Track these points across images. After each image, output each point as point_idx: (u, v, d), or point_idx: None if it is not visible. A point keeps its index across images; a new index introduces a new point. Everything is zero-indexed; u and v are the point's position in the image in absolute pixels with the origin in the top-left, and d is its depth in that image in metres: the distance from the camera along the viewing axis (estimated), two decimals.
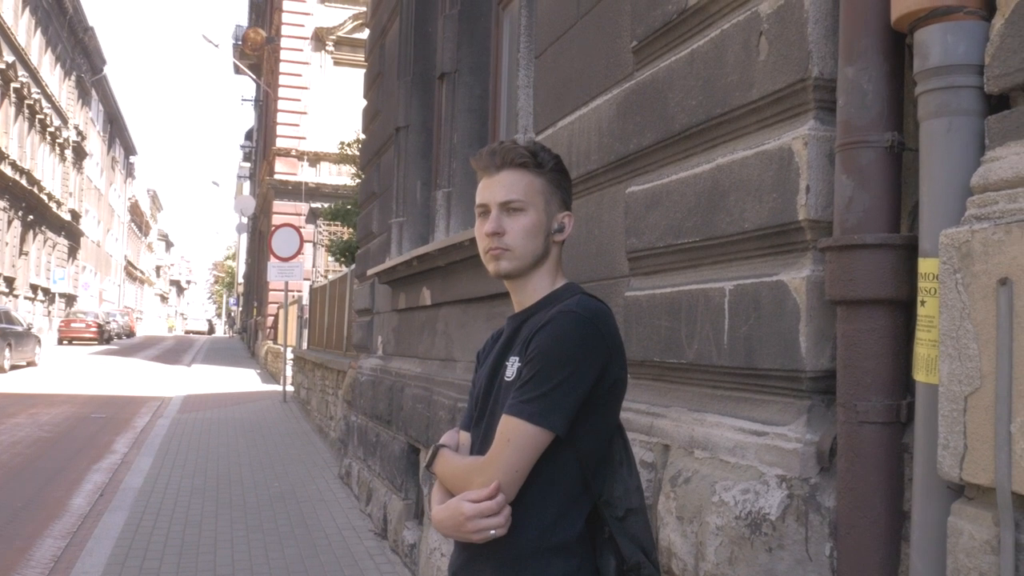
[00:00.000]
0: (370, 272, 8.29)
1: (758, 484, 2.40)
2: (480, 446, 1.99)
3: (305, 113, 32.28)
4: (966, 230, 1.77)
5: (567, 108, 4.01)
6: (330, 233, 28.32)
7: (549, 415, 1.83)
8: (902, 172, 2.16)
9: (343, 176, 29.27)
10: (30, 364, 27.14)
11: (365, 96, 9.73)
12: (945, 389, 1.78)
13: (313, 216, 30.83)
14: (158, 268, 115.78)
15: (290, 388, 18.89)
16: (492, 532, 1.85)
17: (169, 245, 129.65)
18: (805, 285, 2.36)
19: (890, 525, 2.08)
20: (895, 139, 2.14)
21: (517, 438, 1.84)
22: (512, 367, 1.94)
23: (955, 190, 1.90)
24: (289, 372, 19.50)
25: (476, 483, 1.88)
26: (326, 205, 24.70)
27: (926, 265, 1.92)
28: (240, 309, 59.55)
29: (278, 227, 19.41)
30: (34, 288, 43.10)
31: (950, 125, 1.92)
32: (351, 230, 19.79)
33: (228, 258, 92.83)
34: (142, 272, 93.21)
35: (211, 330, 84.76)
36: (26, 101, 40.31)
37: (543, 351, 1.86)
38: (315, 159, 32.28)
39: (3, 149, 36.88)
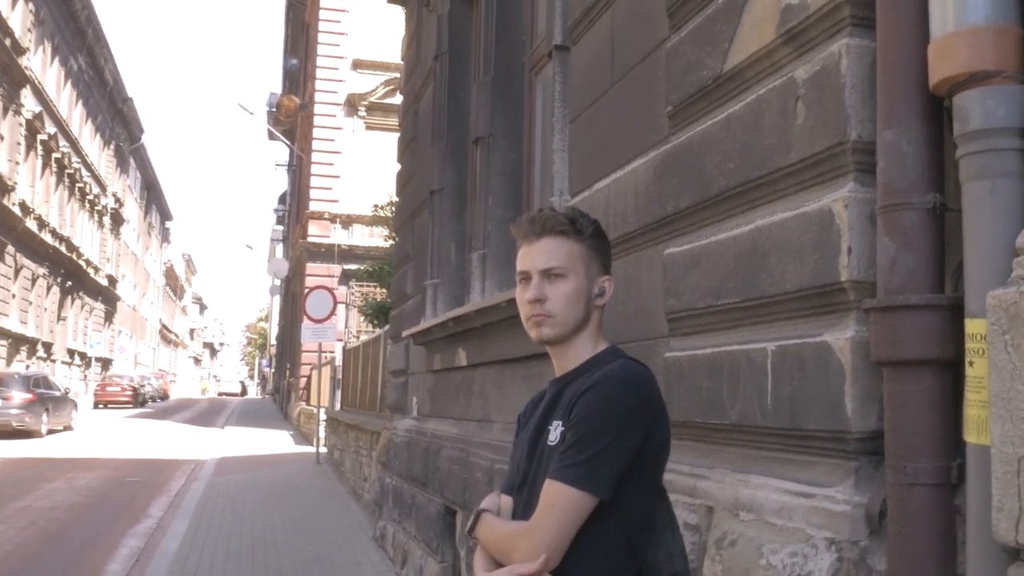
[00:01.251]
0: (405, 333, 8.32)
1: (806, 547, 2.38)
2: (523, 511, 1.97)
3: (338, 177, 32.65)
4: (1014, 291, 1.76)
5: (603, 171, 4.04)
6: (363, 294, 28.44)
7: (594, 480, 1.82)
8: (944, 233, 2.16)
9: (375, 238, 29.44)
10: (67, 428, 27.31)
11: (399, 160, 9.84)
12: (998, 451, 1.77)
13: (346, 278, 31.04)
14: (192, 331, 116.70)
15: (323, 449, 18.87)
16: None
17: (203, 308, 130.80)
18: (850, 346, 2.35)
19: None
20: (937, 200, 2.14)
21: (561, 502, 1.83)
22: (555, 431, 1.94)
23: (1000, 251, 1.90)
24: (322, 433, 19.49)
25: (520, 548, 1.87)
26: (360, 267, 24.78)
27: (973, 326, 1.91)
28: (273, 370, 59.78)
29: (312, 289, 19.57)
30: (71, 352, 43.51)
31: (993, 187, 1.93)
32: (384, 291, 19.89)
33: (261, 320, 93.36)
34: (176, 335, 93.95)
35: (244, 392, 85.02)
36: (67, 171, 41.07)
37: (587, 416, 1.86)
38: (348, 221, 32.58)
39: (44, 217, 37.50)
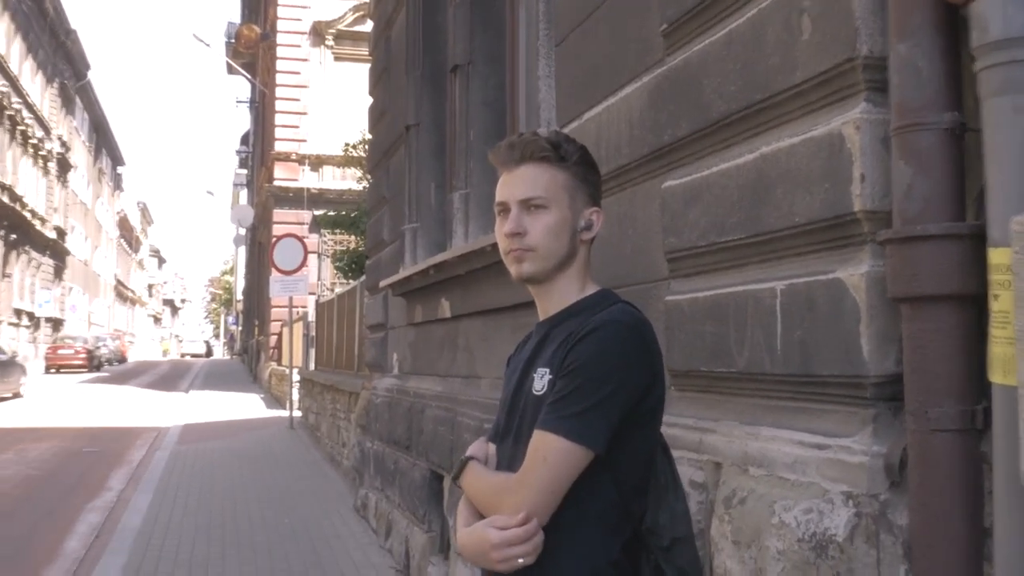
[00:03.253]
0: (382, 284, 8.34)
1: (822, 503, 2.39)
2: (508, 464, 2.01)
3: (305, 113, 32.42)
4: None
5: (593, 99, 4.03)
6: (336, 243, 28.34)
7: (590, 432, 1.85)
8: (964, 155, 2.16)
9: (348, 180, 29.16)
10: (15, 396, 27.35)
11: (371, 93, 9.78)
12: None
13: (317, 225, 30.90)
14: (150, 287, 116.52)
15: (297, 413, 18.95)
16: (520, 561, 1.86)
17: (161, 262, 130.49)
18: (864, 282, 2.36)
19: (970, 543, 2.07)
20: (955, 120, 2.14)
21: (553, 456, 1.85)
22: (541, 379, 1.97)
23: None
24: (296, 396, 19.56)
25: (507, 503, 1.90)
26: (331, 212, 24.54)
27: (997, 255, 1.91)
28: (240, 328, 59.85)
29: (280, 238, 19.51)
30: (18, 313, 43.46)
31: (1015, 103, 1.91)
32: (359, 239, 19.81)
33: (225, 273, 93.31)
34: (133, 292, 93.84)
35: (209, 352, 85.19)
36: (6, 112, 40.71)
37: (586, 363, 1.88)
38: (317, 163, 32.39)
39: None
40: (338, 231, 24.51)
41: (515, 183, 2.05)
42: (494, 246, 4.99)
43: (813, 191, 2.54)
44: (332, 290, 24.95)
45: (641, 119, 3.56)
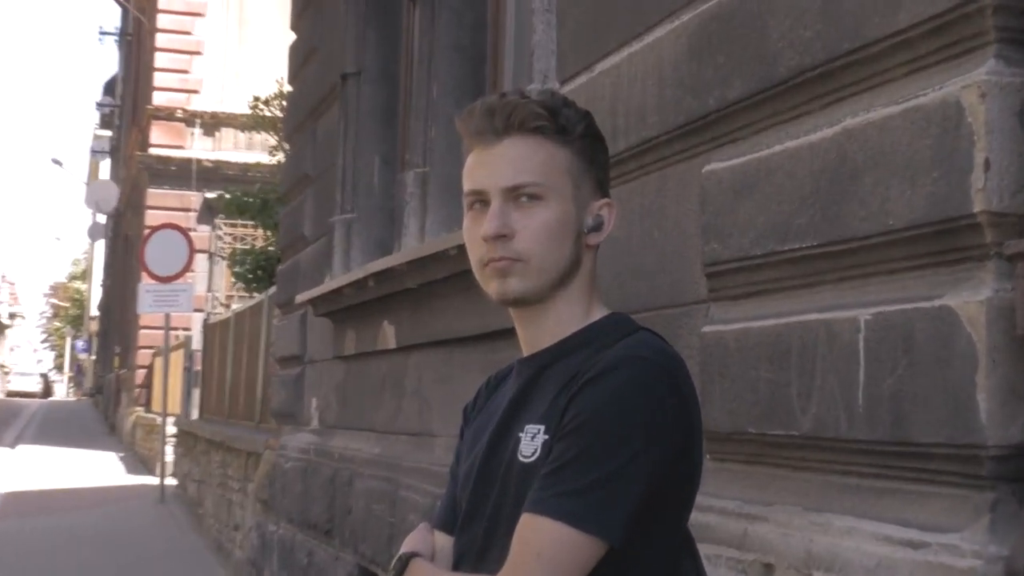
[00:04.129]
0: (300, 299, 8.25)
1: None
2: (476, 560, 2.01)
3: (198, 53, 32.24)
4: None
5: (608, 45, 4.03)
6: (236, 239, 28.13)
7: (603, 516, 1.84)
8: None
9: (255, 150, 28.84)
10: None
11: (293, 27, 9.75)
12: None
13: (210, 212, 30.61)
14: None
15: (171, 481, 18.81)
16: None
17: None
18: (984, 313, 2.36)
19: None
20: None
21: (551, 550, 1.84)
22: (531, 440, 1.96)
23: None
24: (170, 456, 19.41)
25: None
26: (230, 195, 24.23)
27: None
28: (93, 358, 59.50)
29: (155, 229, 19.37)
30: None
31: None
32: (269, 234, 19.64)
33: (75, 278, 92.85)
34: None
35: (48, 391, 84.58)
36: None
37: (596, 417, 1.88)
38: (213, 124, 32.06)
39: None
40: (240, 222, 24.32)
41: (497, 164, 2.04)
42: (461, 248, 4.89)
43: (916, 183, 2.54)
44: (228, 306, 24.71)
45: (677, 75, 3.55)
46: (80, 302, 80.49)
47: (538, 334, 2.09)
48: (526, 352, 2.11)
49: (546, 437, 1.93)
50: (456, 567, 2.04)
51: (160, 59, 32.59)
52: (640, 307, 3.61)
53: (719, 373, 3.24)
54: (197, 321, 21.36)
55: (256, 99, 21.67)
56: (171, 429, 19.73)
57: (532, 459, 1.94)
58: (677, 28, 3.59)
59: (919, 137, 2.55)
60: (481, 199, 2.05)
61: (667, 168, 3.66)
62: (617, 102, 3.90)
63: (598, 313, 2.09)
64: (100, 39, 51.56)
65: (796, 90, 3.02)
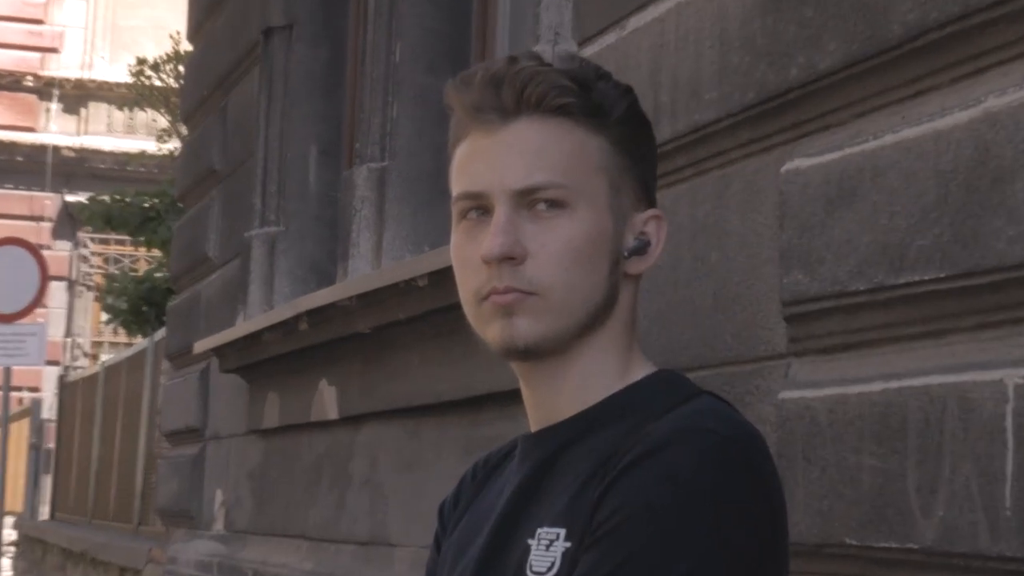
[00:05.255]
0: (200, 347, 7.56)
1: None
2: None
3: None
4: None
5: None
6: (108, 260, 27.12)
7: None
8: None
9: (139, 136, 27.82)
10: None
11: None
12: None
13: (72, 223, 29.31)
14: None
15: None
16: None
17: None
18: None
19: None
20: None
21: None
22: (549, 548, 1.75)
23: None
24: (7, 572, 18.52)
25: None
26: (102, 198, 22.39)
27: None
28: None
29: None
30: None
31: None
32: (157, 253, 18.66)
33: None
34: None
35: None
36: None
37: (643, 515, 1.66)
38: (77, 97, 30.00)
39: None
40: (114, 237, 22.97)
41: (504, 156, 1.82)
42: (435, 277, 4.42)
43: None
44: (95, 357, 23.81)
45: (745, 33, 3.12)
46: None
47: (555, 399, 1.88)
48: (536, 424, 1.91)
49: (568, 545, 1.73)
50: None
51: (1, 3, 29.85)
52: (690, 363, 3.15)
53: (804, 458, 2.81)
54: (50, 378, 19.97)
55: (140, 63, 20.31)
56: (9, 534, 18.82)
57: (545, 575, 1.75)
58: None
59: None
60: (480, 205, 1.84)
61: (730, 166, 3.20)
62: (659, 72, 3.45)
63: (640, 370, 1.89)
64: None
65: (917, 56, 2.59)
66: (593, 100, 1.85)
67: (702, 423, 1.74)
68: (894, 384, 2.60)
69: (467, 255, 1.84)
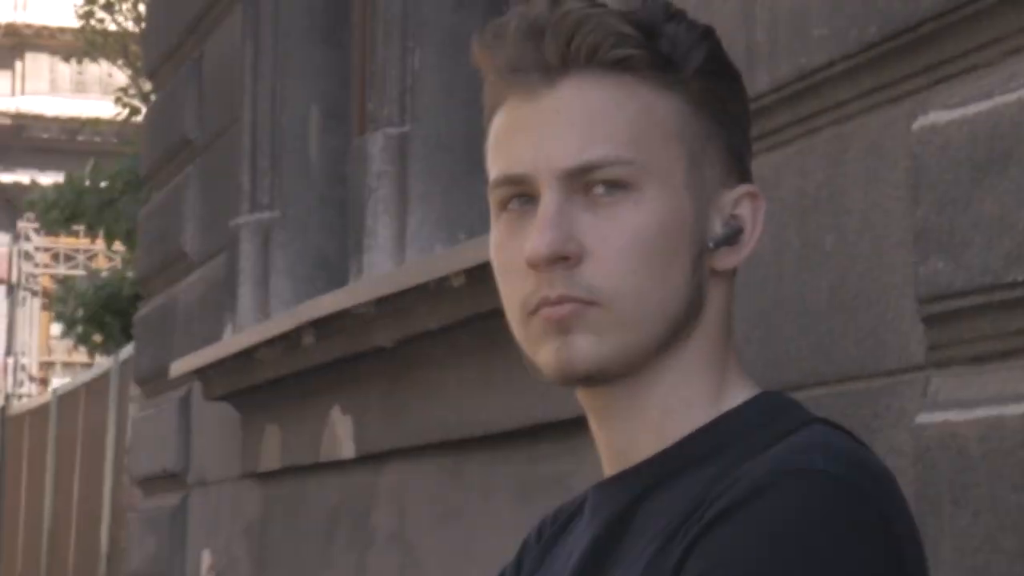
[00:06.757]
0: (177, 370, 6.94)
1: None
2: None
3: None
4: None
5: None
6: (57, 258, 26.18)
7: None
8: None
9: (91, 95, 26.67)
10: None
11: None
12: None
13: (10, 211, 27.28)
14: None
15: None
16: None
17: None
18: None
19: None
20: None
21: None
22: None
23: None
24: None
25: None
26: (51, 182, 21.36)
27: None
28: None
29: None
30: None
31: None
32: (121, 247, 17.77)
33: None
34: None
35: None
36: None
37: (745, 571, 1.44)
38: (10, 48, 27.63)
39: None
40: (65, 229, 20.35)
41: (551, 127, 1.56)
42: (474, 274, 3.95)
43: None
44: (45, 381, 22.97)
45: None
46: None
47: (630, 435, 1.63)
48: (609, 468, 1.66)
49: None
50: None
51: None
52: (801, 380, 2.89)
53: (951, 501, 2.52)
54: None
55: (90, 1, 18.83)
56: None
57: None
58: None
59: None
60: (522, 192, 1.58)
61: (848, 123, 2.88)
62: (752, 4, 3.12)
63: (738, 393, 1.62)
64: None
65: None
66: (662, 49, 1.60)
67: (809, 461, 1.50)
68: None
69: (510, 257, 1.60)
